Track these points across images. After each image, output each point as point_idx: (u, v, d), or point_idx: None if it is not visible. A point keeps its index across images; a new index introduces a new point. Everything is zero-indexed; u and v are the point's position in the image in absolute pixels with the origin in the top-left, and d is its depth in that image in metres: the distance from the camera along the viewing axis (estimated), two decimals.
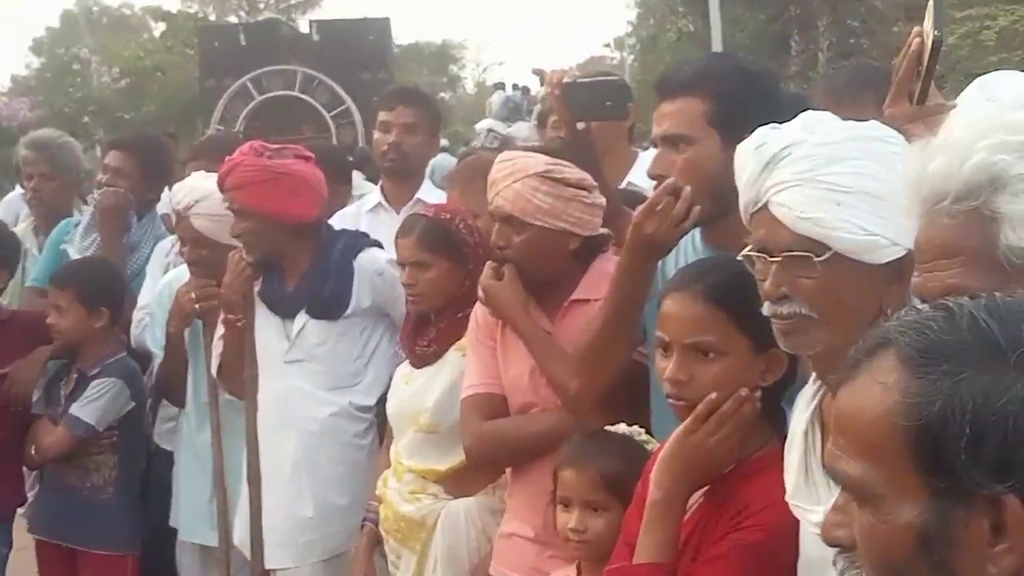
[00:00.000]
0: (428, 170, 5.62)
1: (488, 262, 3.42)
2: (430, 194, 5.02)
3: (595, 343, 3.02)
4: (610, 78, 3.90)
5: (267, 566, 4.24)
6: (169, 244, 5.11)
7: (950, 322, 1.29)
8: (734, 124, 2.81)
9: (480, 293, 3.42)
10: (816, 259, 2.06)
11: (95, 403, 4.50)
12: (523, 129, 16.33)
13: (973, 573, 1.25)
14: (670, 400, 2.46)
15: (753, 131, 2.89)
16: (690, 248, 3.01)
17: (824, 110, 3.84)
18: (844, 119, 3.75)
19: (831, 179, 2.07)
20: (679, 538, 2.40)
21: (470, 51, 53.99)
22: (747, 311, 2.32)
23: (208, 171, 4.88)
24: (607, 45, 51.97)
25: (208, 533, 4.51)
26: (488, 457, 3.48)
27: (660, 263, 2.95)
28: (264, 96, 17.93)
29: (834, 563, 1.40)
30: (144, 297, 4.99)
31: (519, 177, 3.27)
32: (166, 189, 5.47)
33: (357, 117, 17.56)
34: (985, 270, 1.61)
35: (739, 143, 2.82)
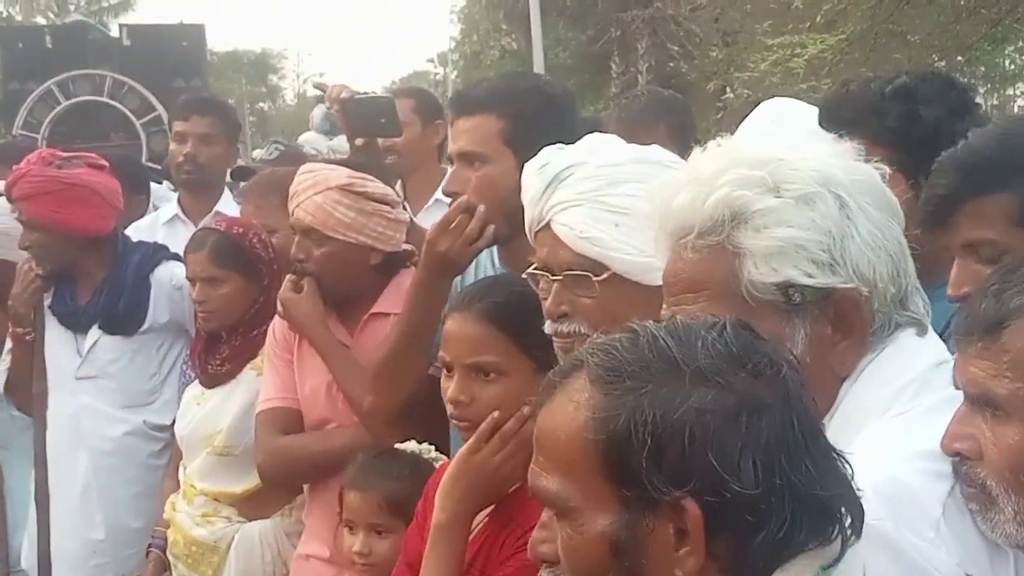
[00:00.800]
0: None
1: (288, 275, 3.37)
2: (229, 207, 4.94)
3: (389, 359, 3.02)
4: (380, 96, 3.93)
5: None
6: None
7: (634, 342, 1.37)
8: (529, 144, 2.83)
9: (279, 306, 3.38)
10: (595, 279, 2.10)
11: None
12: (344, 143, 16.36)
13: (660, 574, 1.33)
14: (454, 421, 2.47)
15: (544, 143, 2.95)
16: (488, 267, 3.04)
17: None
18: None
19: (611, 200, 2.11)
20: (464, 559, 2.40)
21: (290, 61, 53.68)
22: (527, 331, 2.35)
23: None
24: (430, 60, 52.43)
25: None
26: (281, 473, 3.42)
27: (458, 280, 2.96)
28: (71, 101, 17.34)
29: None
30: None
31: (320, 190, 3.25)
32: None
33: (168, 125, 17.16)
34: (729, 304, 1.63)
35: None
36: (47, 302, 4.14)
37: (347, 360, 3.27)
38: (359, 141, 3.57)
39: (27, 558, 4.22)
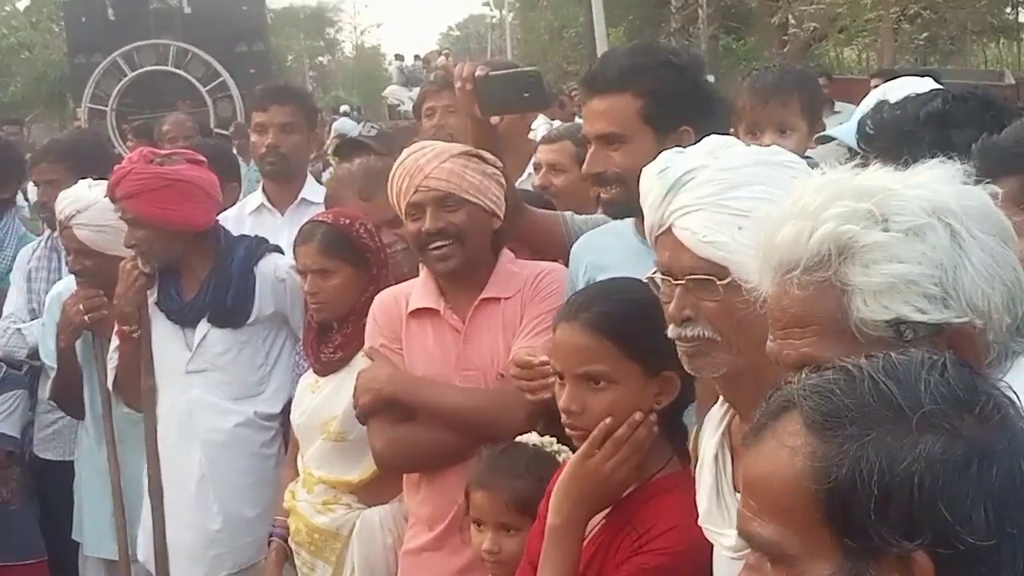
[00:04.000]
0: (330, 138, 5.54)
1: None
2: (314, 193, 4.98)
3: None
4: (526, 69, 3.85)
5: None
6: (30, 251, 5.06)
7: (851, 385, 1.33)
8: (667, 119, 2.89)
9: (359, 388, 3.42)
10: (718, 282, 2.07)
11: (12, 416, 4.48)
12: None
13: None
14: (568, 430, 2.48)
15: (685, 125, 2.91)
16: (630, 235, 3.04)
17: (750, 108, 3.89)
18: (772, 118, 3.81)
19: (733, 204, 2.08)
20: (579, 562, 2.42)
21: (346, 13, 53.42)
22: (634, 337, 2.36)
23: (52, 174, 4.94)
24: (486, 4, 51.98)
25: (112, 547, 4.45)
26: (398, 462, 3.45)
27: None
28: (136, 72, 17.54)
29: None
30: (9, 305, 4.95)
31: (445, 158, 3.29)
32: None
33: (234, 90, 17.29)
34: (838, 340, 1.61)
35: (672, 138, 2.85)
36: (152, 299, 4.19)
37: (465, 393, 3.32)
38: (495, 119, 3.47)
39: (143, 551, 4.29)
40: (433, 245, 3.28)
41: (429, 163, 3.28)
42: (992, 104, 2.74)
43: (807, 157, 3.03)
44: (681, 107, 2.94)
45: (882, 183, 1.67)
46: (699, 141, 2.35)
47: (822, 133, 3.75)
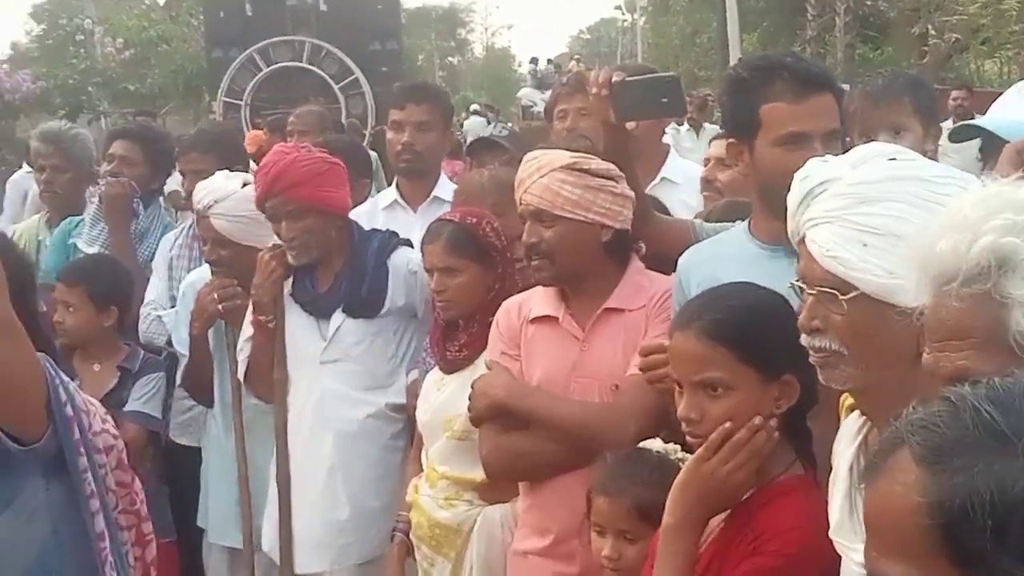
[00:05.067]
0: (463, 133, 5.57)
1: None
2: (446, 191, 5.00)
3: None
4: (664, 75, 3.83)
5: (298, 571, 4.26)
6: (172, 239, 5.15)
7: (955, 416, 1.31)
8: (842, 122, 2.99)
9: (474, 399, 3.45)
10: (842, 297, 2.06)
11: (155, 399, 4.56)
12: None
13: None
14: (688, 438, 2.49)
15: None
16: (739, 238, 3.06)
17: (862, 112, 3.85)
18: (884, 120, 3.76)
19: (861, 219, 2.06)
20: (695, 563, 2.43)
21: (478, 14, 53.67)
22: (750, 343, 2.36)
23: (200, 164, 5.03)
24: (618, 7, 51.89)
25: (236, 535, 4.51)
26: (503, 471, 3.49)
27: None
28: (271, 67, 17.80)
29: None
30: (151, 292, 5.02)
31: (545, 172, 3.29)
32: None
33: (366, 88, 17.45)
34: (995, 353, 1.59)
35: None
36: (287, 290, 4.26)
37: (577, 405, 3.32)
38: (630, 125, 3.48)
39: (267, 541, 4.34)
40: (531, 258, 3.34)
41: (530, 177, 3.31)
42: None
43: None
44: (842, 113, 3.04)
45: None
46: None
47: (966, 122, 3.68)
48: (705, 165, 4.60)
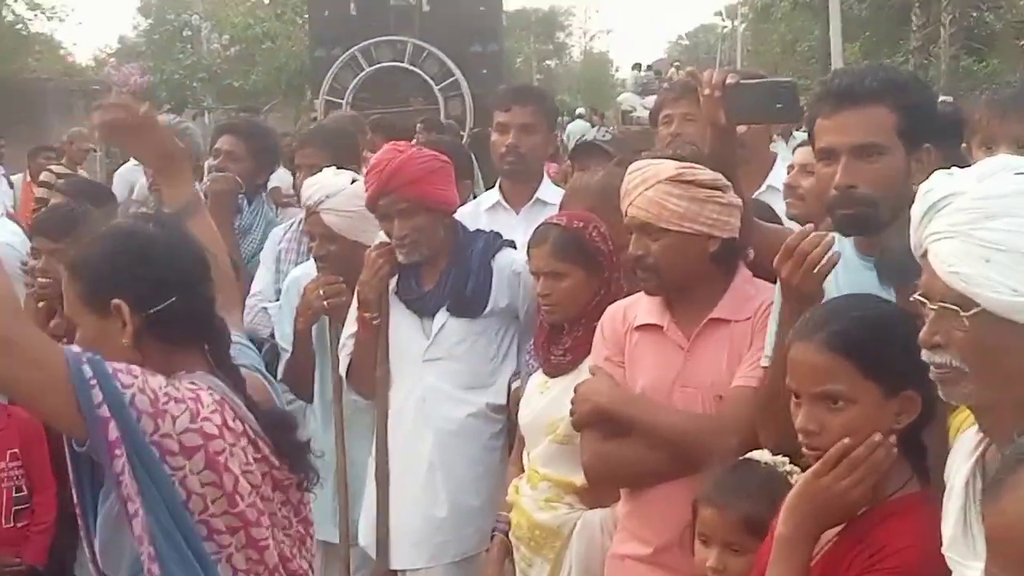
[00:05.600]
0: (565, 136, 5.55)
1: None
2: (549, 194, 5.02)
3: (768, 399, 2.99)
4: (778, 80, 3.81)
5: (395, 566, 4.29)
6: (281, 232, 5.21)
7: None
8: (916, 136, 2.87)
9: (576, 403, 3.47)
10: (963, 314, 2.03)
11: None
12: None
13: None
14: (805, 450, 2.47)
15: (927, 143, 2.91)
16: (847, 257, 2.98)
17: (987, 121, 3.78)
18: (1009, 132, 3.70)
19: (984, 235, 2.03)
20: (807, 574, 2.42)
21: (577, 18, 53.68)
22: (873, 357, 2.33)
23: (316, 159, 5.05)
24: (718, 14, 51.78)
25: (331, 530, 4.51)
26: (603, 478, 3.49)
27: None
28: (373, 67, 17.95)
29: None
30: (257, 284, 5.08)
31: (650, 184, 3.28)
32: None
33: (466, 90, 17.52)
34: None
35: (916, 155, 2.87)
36: (392, 288, 4.29)
37: (680, 415, 3.32)
38: (742, 129, 3.50)
39: (364, 536, 4.37)
40: (637, 270, 3.35)
41: (636, 189, 3.30)
42: None
43: None
44: (927, 124, 2.92)
45: None
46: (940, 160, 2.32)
47: None
48: (788, 172, 4.55)
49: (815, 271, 2.79)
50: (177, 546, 2.56)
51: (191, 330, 2.74)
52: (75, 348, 2.57)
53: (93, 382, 2.46)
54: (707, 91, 3.33)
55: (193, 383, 2.63)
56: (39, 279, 4.29)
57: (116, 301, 2.63)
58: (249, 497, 2.64)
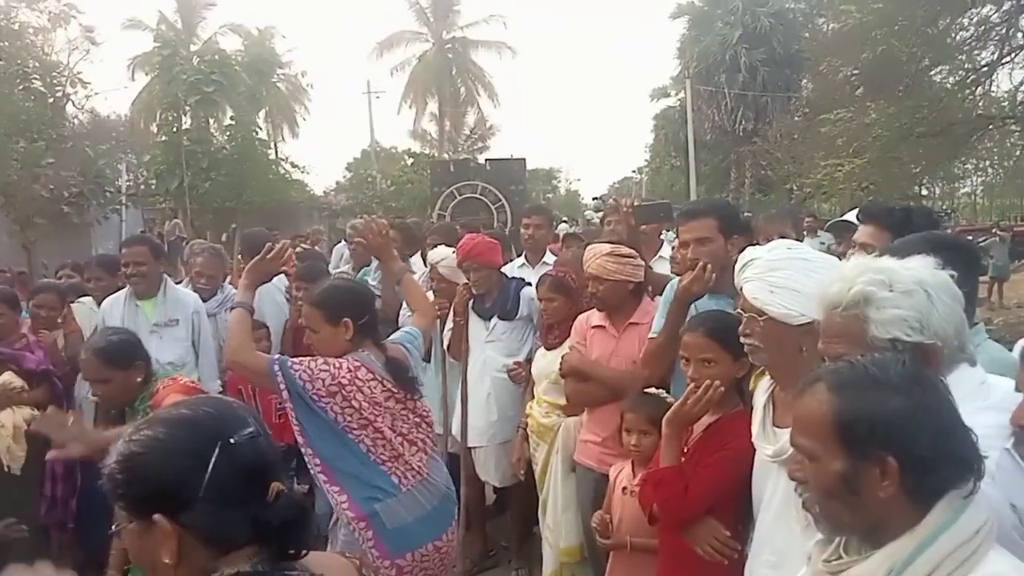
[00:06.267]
0: (559, 231, 5.39)
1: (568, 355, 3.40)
2: (550, 259, 4.93)
3: (659, 348, 2.97)
4: (662, 202, 3.85)
5: (470, 444, 4.22)
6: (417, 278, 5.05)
7: (851, 368, 1.29)
8: (729, 232, 2.81)
9: (564, 366, 3.38)
10: (759, 318, 2.01)
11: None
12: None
13: (872, 498, 1.24)
14: (690, 384, 2.41)
15: (738, 236, 2.81)
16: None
17: (764, 226, 3.72)
18: (773, 230, 3.60)
19: (770, 279, 2.02)
20: (682, 452, 2.38)
21: (563, 172, 53.36)
22: (729, 339, 2.28)
23: (441, 244, 4.86)
24: (634, 171, 51.41)
25: (439, 427, 4.36)
26: (579, 402, 3.43)
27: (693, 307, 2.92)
28: (461, 197, 17.85)
29: (795, 489, 1.36)
30: (406, 304, 4.94)
31: (600, 255, 3.25)
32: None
33: (507, 208, 17.38)
34: (860, 348, 1.52)
35: (732, 242, 2.76)
36: (471, 304, 4.23)
37: (610, 374, 3.25)
38: (644, 228, 3.49)
39: (455, 428, 4.29)
40: (591, 298, 3.31)
41: (593, 258, 3.26)
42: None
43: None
44: (735, 226, 2.88)
45: (889, 265, 1.60)
46: (742, 244, 2.40)
47: (839, 219, 3.57)
48: (672, 249, 4.52)
49: (704, 284, 2.77)
50: (328, 439, 2.57)
51: (370, 329, 2.74)
52: (276, 356, 2.64)
53: (277, 370, 2.53)
54: (624, 209, 3.39)
55: (348, 358, 2.63)
56: (298, 303, 4.25)
57: (345, 319, 2.65)
58: (371, 409, 2.60)
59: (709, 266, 2.75)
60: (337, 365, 2.57)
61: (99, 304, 4.34)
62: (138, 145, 21.76)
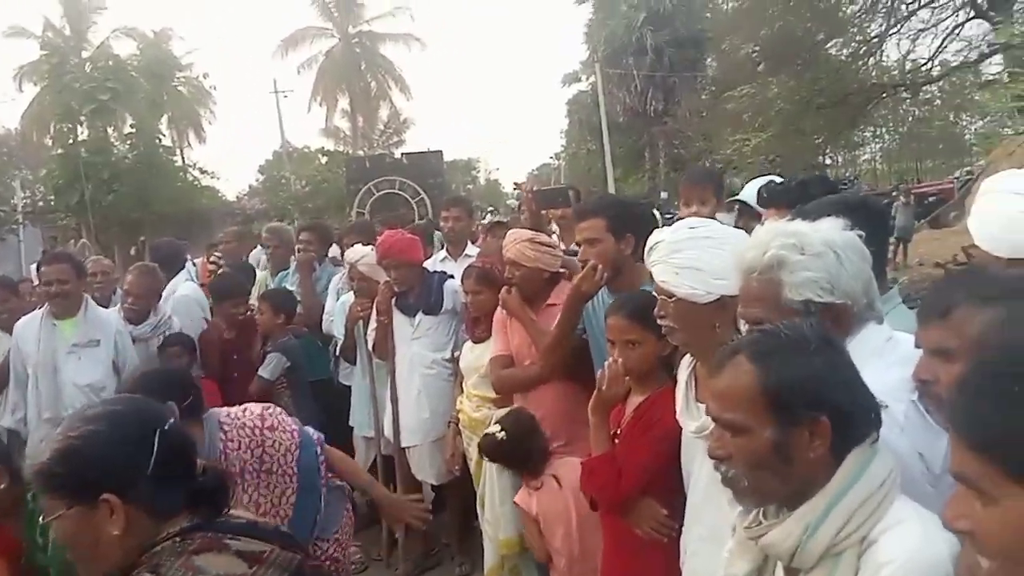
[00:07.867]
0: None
1: (504, 287, 3.36)
2: (472, 251, 4.90)
3: (554, 341, 3.00)
4: (560, 187, 3.91)
5: (403, 444, 4.17)
6: (338, 278, 4.97)
7: (770, 335, 1.31)
8: (621, 230, 2.78)
9: (501, 302, 3.36)
10: (669, 300, 2.03)
11: (268, 367, 4.24)
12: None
13: (803, 461, 1.26)
14: (616, 366, 2.42)
15: (630, 233, 2.78)
16: (602, 295, 2.93)
17: (686, 190, 3.70)
18: (691, 196, 3.62)
19: (674, 260, 2.03)
20: (611, 439, 2.39)
21: (482, 162, 53.29)
22: (650, 319, 2.26)
23: (354, 240, 4.84)
24: (552, 157, 51.79)
25: (370, 430, 4.40)
26: (503, 390, 3.41)
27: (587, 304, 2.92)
28: (379, 193, 17.70)
29: (716, 468, 1.36)
30: (328, 306, 4.87)
31: (519, 241, 3.25)
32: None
33: (428, 203, 17.37)
34: (775, 310, 1.55)
35: (625, 241, 2.74)
36: (394, 302, 4.16)
37: (537, 330, 3.24)
38: (544, 212, 3.53)
39: (387, 429, 4.22)
40: (510, 284, 3.30)
41: (511, 244, 3.26)
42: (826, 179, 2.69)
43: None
44: (626, 224, 2.80)
45: (800, 229, 1.63)
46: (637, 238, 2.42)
47: (733, 198, 3.54)
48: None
49: (597, 285, 2.78)
50: None
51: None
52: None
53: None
54: (526, 194, 3.46)
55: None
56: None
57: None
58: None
59: (599, 267, 2.75)
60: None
61: (5, 329, 4.12)
62: (32, 160, 20.63)
